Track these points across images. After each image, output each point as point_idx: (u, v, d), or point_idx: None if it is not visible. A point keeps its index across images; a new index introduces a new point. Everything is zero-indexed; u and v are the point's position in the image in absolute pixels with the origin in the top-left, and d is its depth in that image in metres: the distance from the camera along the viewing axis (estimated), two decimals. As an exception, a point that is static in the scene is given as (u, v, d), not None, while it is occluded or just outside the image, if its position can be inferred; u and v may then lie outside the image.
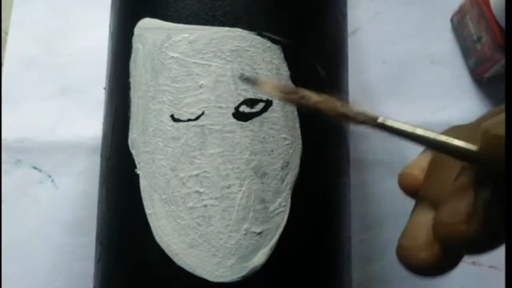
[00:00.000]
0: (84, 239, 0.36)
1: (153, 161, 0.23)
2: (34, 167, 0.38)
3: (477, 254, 0.16)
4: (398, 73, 0.40)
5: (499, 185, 0.15)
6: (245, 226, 0.23)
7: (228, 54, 0.23)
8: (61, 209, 0.37)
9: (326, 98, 0.17)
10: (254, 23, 0.24)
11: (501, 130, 0.14)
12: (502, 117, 0.14)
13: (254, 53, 0.24)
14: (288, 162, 0.24)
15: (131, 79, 0.25)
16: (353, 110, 0.17)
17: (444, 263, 0.17)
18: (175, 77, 0.23)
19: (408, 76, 0.40)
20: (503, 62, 0.35)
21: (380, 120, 0.16)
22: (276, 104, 0.24)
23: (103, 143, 0.27)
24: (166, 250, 0.23)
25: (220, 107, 0.23)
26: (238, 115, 0.23)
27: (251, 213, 0.23)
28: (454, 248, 0.16)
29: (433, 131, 0.16)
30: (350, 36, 0.37)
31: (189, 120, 0.23)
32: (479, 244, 0.16)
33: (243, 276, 0.23)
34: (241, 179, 0.23)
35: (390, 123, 0.17)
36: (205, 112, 0.23)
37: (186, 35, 0.24)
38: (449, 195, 0.16)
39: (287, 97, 0.18)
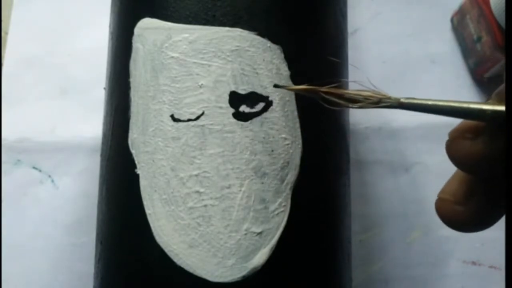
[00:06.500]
0: (84, 239, 0.36)
1: (153, 161, 0.23)
2: (34, 167, 0.38)
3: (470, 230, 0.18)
4: (398, 73, 0.40)
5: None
6: (245, 226, 0.23)
7: (228, 54, 0.23)
8: (61, 209, 0.37)
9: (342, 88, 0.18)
10: (254, 23, 0.24)
11: None
12: None
13: (254, 53, 0.24)
14: (288, 162, 0.24)
15: (131, 79, 0.25)
16: (376, 95, 0.18)
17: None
18: (175, 77, 0.23)
19: (408, 76, 0.40)
20: (503, 62, 0.35)
21: (402, 100, 0.17)
22: (276, 104, 0.24)
23: (103, 143, 0.27)
24: (166, 250, 0.23)
25: (220, 107, 0.23)
26: (238, 115, 0.23)
27: (251, 213, 0.23)
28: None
29: (454, 101, 0.17)
30: (350, 36, 0.37)
31: (189, 120, 0.23)
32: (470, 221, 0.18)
33: (243, 276, 0.23)
34: (241, 179, 0.23)
35: (413, 101, 0.17)
36: (205, 112, 0.23)
37: (186, 35, 0.24)
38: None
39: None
